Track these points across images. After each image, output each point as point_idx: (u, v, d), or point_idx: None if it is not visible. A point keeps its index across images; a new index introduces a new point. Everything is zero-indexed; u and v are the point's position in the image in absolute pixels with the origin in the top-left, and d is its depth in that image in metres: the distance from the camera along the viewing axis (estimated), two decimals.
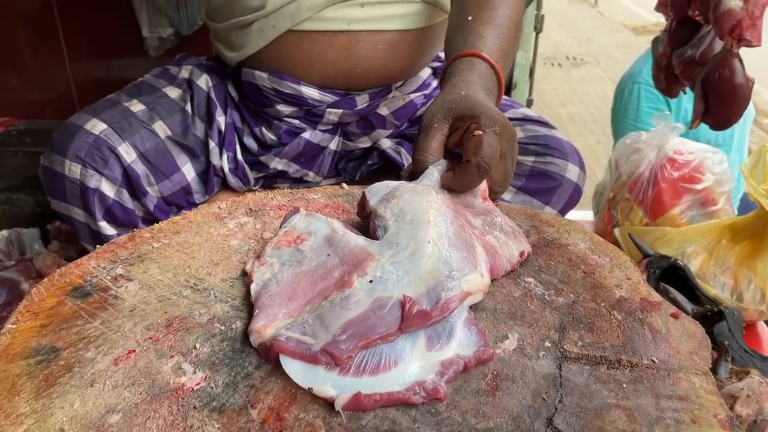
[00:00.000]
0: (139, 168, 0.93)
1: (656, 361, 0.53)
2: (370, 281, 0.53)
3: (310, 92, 1.00)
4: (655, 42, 1.51)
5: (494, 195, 0.69)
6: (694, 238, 1.46)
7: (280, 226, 0.65)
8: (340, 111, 1.02)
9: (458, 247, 0.57)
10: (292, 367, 0.49)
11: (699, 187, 1.55)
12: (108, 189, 0.92)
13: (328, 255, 0.58)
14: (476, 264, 0.56)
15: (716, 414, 0.48)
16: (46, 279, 0.61)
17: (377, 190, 0.65)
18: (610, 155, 1.77)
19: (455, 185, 0.65)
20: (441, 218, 0.59)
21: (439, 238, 0.56)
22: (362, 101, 1.03)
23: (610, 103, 2.26)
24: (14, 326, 0.56)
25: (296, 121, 1.04)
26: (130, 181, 0.93)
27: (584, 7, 8.28)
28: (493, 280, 0.59)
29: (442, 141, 0.70)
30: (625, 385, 0.50)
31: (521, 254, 0.63)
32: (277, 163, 1.05)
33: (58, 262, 1.40)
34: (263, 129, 1.04)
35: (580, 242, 0.68)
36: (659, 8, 1.47)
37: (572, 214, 1.92)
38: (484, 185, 0.67)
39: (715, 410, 0.49)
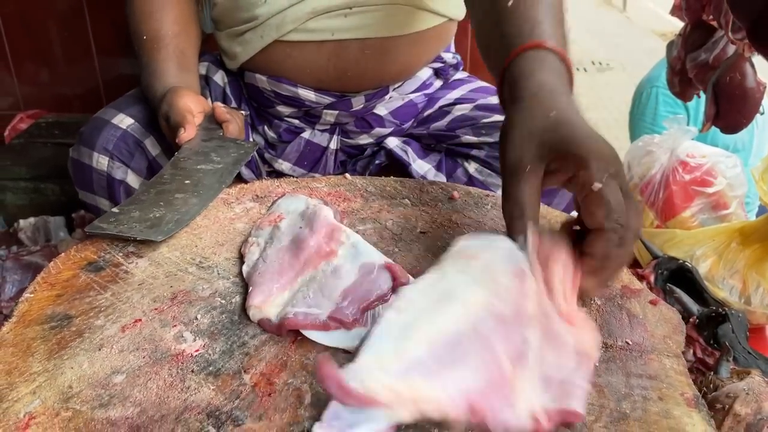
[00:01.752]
0: (164, 162, 0.97)
1: (630, 343, 0.55)
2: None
3: (307, 94, 1.02)
4: (670, 46, 1.52)
5: (625, 245, 0.54)
6: (703, 240, 1.47)
7: (267, 209, 0.69)
8: (336, 112, 1.05)
9: (443, 348, 0.46)
10: (314, 335, 0.54)
11: (711, 190, 1.55)
12: (133, 181, 0.96)
13: (300, 227, 0.62)
14: (436, 376, 0.44)
15: (683, 392, 0.51)
16: (62, 254, 0.66)
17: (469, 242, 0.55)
18: None
19: (598, 264, 0.53)
20: (470, 311, 0.48)
21: (439, 327, 0.47)
22: (358, 102, 1.05)
23: None
24: (32, 295, 0.60)
25: (296, 121, 1.07)
26: (154, 174, 0.97)
27: (612, 13, 8.22)
28: None
29: (538, 188, 0.57)
30: (598, 364, 0.53)
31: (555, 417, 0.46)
32: (281, 165, 1.08)
33: None
34: (265, 128, 1.08)
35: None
36: (674, 12, 1.48)
37: None
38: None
39: (683, 389, 0.51)
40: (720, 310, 1.08)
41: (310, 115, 1.06)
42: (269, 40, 0.98)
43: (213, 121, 0.89)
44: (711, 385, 0.73)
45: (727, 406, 0.68)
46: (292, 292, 0.57)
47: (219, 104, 0.90)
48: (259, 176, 1.11)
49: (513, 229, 0.56)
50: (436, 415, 0.45)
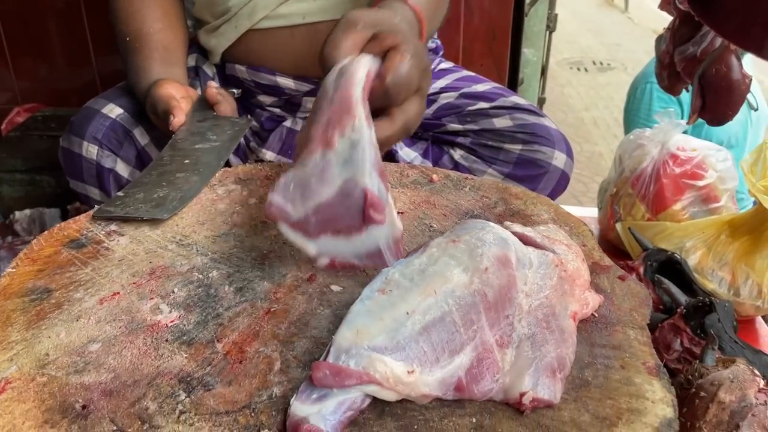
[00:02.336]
0: (152, 151, 0.99)
1: (596, 315, 0.56)
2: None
3: (286, 82, 1.04)
4: (659, 40, 1.53)
5: (407, 133, 0.66)
6: (693, 233, 1.47)
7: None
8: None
9: (429, 329, 0.48)
10: (282, 228, 0.58)
11: (701, 183, 1.56)
12: (122, 169, 0.97)
13: (332, 88, 0.60)
14: (425, 359, 0.47)
15: (645, 362, 0.52)
16: (46, 232, 0.67)
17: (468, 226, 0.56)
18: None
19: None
20: (455, 295, 0.49)
21: (424, 309, 0.48)
22: None
23: None
24: (14, 270, 0.62)
25: (277, 110, 1.09)
26: (143, 163, 0.99)
27: (614, 13, 8.22)
28: (458, 401, 0.48)
29: (359, 44, 0.65)
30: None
31: (527, 398, 0.47)
32: (265, 155, 1.09)
33: None
34: (248, 117, 1.09)
35: (544, 213, 0.72)
36: (663, 6, 1.49)
37: (577, 210, 1.95)
38: (591, 302, 0.56)
39: (645, 359, 0.52)
40: (706, 300, 1.09)
41: (291, 104, 1.07)
42: (243, 29, 1.01)
43: (205, 104, 0.91)
44: (696, 374, 0.73)
45: (712, 394, 0.69)
46: (286, 177, 0.58)
47: (211, 84, 0.91)
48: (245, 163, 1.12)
49: (326, 64, 0.64)
50: (422, 401, 0.46)
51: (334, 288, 0.58)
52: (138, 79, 0.97)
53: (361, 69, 0.60)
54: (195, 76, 1.10)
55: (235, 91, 1.02)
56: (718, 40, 1.35)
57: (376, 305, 0.49)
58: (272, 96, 1.07)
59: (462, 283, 0.50)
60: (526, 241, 0.57)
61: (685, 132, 1.59)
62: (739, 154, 2.13)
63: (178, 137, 0.83)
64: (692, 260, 1.45)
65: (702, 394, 0.67)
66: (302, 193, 0.57)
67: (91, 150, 0.97)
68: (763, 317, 1.47)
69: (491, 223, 0.56)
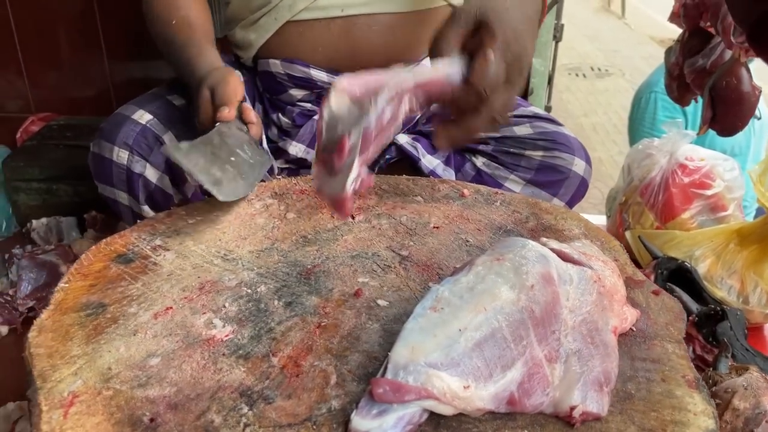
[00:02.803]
0: None
1: (634, 329, 0.59)
2: None
3: (319, 75, 1.08)
4: (668, 52, 1.56)
5: (494, 126, 0.65)
6: (702, 241, 1.50)
7: None
8: None
9: (482, 345, 0.50)
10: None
11: (709, 192, 1.59)
12: (152, 175, 0.99)
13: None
14: (479, 374, 0.49)
15: (685, 375, 0.54)
16: (93, 247, 0.69)
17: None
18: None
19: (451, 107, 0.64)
20: (504, 312, 0.51)
21: (475, 326, 0.50)
22: None
23: None
24: (66, 285, 0.63)
25: (308, 104, 1.12)
26: (171, 169, 1.01)
27: (611, 19, 8.27)
28: (510, 413, 0.50)
29: (459, 39, 0.64)
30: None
31: (577, 411, 0.49)
32: (295, 149, 1.12)
33: None
34: (280, 115, 1.12)
35: (575, 228, 0.74)
36: (672, 19, 1.52)
37: (586, 218, 1.96)
38: (629, 317, 0.59)
39: (684, 372, 0.54)
40: (718, 308, 1.11)
41: (322, 98, 1.10)
42: (282, 21, 1.04)
43: (240, 118, 0.93)
44: (710, 381, 0.76)
45: (726, 401, 0.71)
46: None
47: (247, 105, 0.94)
48: (271, 172, 1.14)
49: (433, 52, 0.64)
50: (475, 414, 0.48)
51: (381, 303, 0.60)
52: (196, 57, 0.99)
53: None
54: None
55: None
56: (728, 53, 1.38)
57: (428, 322, 0.51)
58: (304, 89, 1.10)
59: (510, 300, 0.52)
60: (564, 257, 0.59)
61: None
62: (743, 162, 2.16)
63: (223, 129, 0.84)
64: (701, 268, 1.48)
65: (716, 401, 0.69)
66: None
67: (121, 155, 0.99)
68: None
69: (531, 241, 0.58)
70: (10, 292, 1.37)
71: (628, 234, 1.60)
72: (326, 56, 1.06)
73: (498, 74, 0.62)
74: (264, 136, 1.12)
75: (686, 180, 1.60)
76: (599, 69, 6.17)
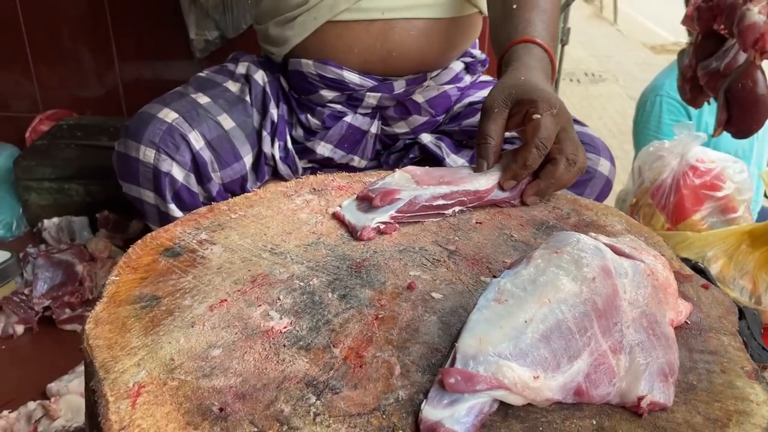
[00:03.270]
0: (206, 155, 1.01)
1: (689, 323, 0.59)
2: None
3: (352, 77, 1.08)
4: (681, 54, 1.57)
5: (573, 166, 0.76)
6: (714, 242, 1.51)
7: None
8: (379, 95, 1.11)
9: (548, 336, 0.50)
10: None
11: (720, 194, 1.61)
12: (178, 173, 0.99)
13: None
14: (547, 365, 0.49)
15: (743, 366, 0.55)
16: (139, 241, 0.69)
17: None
18: (628, 168, 1.83)
19: (518, 168, 0.74)
20: (568, 303, 0.52)
21: (541, 317, 0.51)
22: (399, 86, 1.12)
23: (628, 119, 2.32)
24: (117, 278, 0.63)
25: (338, 106, 1.12)
26: (197, 167, 1.01)
27: (603, 25, 8.34)
28: (576, 404, 0.50)
29: (502, 125, 0.77)
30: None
31: (645, 402, 0.49)
32: (323, 149, 1.12)
33: (110, 247, 1.48)
34: (308, 116, 1.12)
35: (617, 224, 0.75)
36: (685, 22, 1.53)
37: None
38: (683, 310, 0.59)
39: (743, 363, 0.55)
40: (736, 307, 1.12)
41: (352, 99, 1.11)
42: (323, 20, 1.05)
43: None
44: None
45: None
46: None
47: None
48: (295, 172, 1.14)
49: (479, 153, 0.77)
50: (544, 404, 0.49)
51: (435, 295, 0.61)
52: None
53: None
54: (245, 83, 1.12)
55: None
56: (742, 56, 1.39)
57: (493, 314, 0.51)
58: (335, 91, 1.11)
59: (573, 293, 0.52)
60: (616, 251, 0.60)
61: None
62: (747, 164, 2.17)
63: None
64: (714, 269, 1.50)
65: None
66: None
67: (148, 154, 0.99)
68: None
69: (584, 235, 0.58)
70: (26, 291, 1.36)
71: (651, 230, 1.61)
72: (361, 58, 1.07)
73: (549, 128, 0.74)
74: (288, 137, 1.12)
75: (697, 182, 1.62)
76: (593, 74, 6.22)
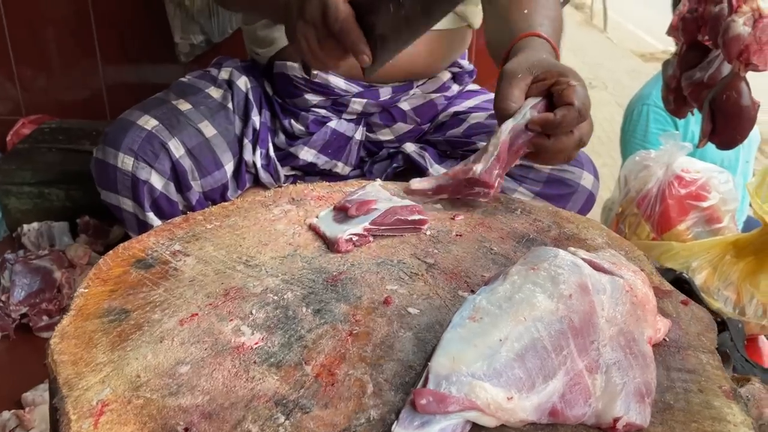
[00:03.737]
0: (186, 163, 0.99)
1: (667, 340, 0.58)
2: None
3: (337, 81, 1.07)
4: (666, 65, 1.57)
5: (575, 150, 0.77)
6: (699, 253, 1.51)
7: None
8: (364, 101, 1.10)
9: (523, 355, 0.48)
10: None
11: (705, 204, 1.60)
12: (157, 181, 0.98)
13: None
14: (521, 385, 0.48)
15: (721, 386, 0.54)
16: (111, 251, 0.67)
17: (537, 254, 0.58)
18: (616, 176, 1.83)
19: (553, 126, 0.74)
20: (543, 321, 0.50)
21: (516, 336, 0.49)
22: (385, 93, 1.11)
23: (617, 126, 2.32)
24: (86, 290, 0.62)
25: (323, 111, 1.11)
26: (177, 175, 0.99)
27: (594, 33, 8.37)
28: (551, 425, 0.49)
29: (524, 90, 0.77)
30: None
31: (621, 423, 0.48)
32: (306, 154, 1.11)
33: (89, 254, 1.46)
34: (292, 121, 1.11)
35: (598, 237, 0.74)
36: (670, 32, 1.53)
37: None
38: (662, 328, 0.58)
39: (720, 382, 0.54)
40: (719, 319, 1.12)
41: (337, 104, 1.10)
42: None
43: None
44: None
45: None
46: None
47: None
48: (277, 180, 1.13)
49: (501, 117, 0.76)
50: (518, 425, 0.47)
51: (412, 311, 0.59)
52: None
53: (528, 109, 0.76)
54: (227, 89, 1.11)
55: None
56: (726, 67, 1.39)
57: (468, 332, 0.50)
58: (320, 95, 1.10)
59: (549, 310, 0.51)
60: (595, 267, 0.59)
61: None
62: (732, 174, 2.18)
63: None
64: (698, 280, 1.49)
65: None
66: None
67: (126, 161, 0.97)
68: (767, 336, 1.51)
69: (561, 251, 0.57)
70: (2, 298, 1.34)
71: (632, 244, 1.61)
72: (347, 63, 1.05)
73: (587, 97, 0.74)
74: (270, 144, 1.10)
75: (682, 192, 1.62)
76: None
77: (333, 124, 1.12)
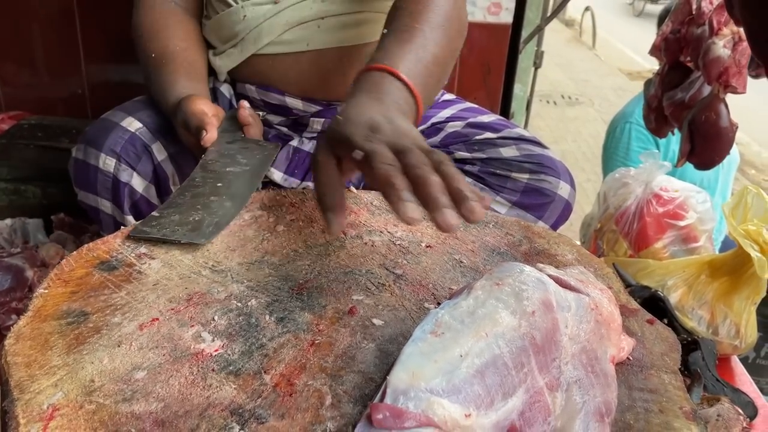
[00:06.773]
0: (168, 168, 0.98)
1: (631, 359, 0.58)
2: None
3: (294, 103, 1.06)
4: (648, 84, 1.59)
5: (435, 158, 0.61)
6: (675, 271, 1.52)
7: None
8: (323, 120, 1.08)
9: (483, 372, 0.48)
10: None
11: (682, 223, 1.61)
12: (138, 184, 0.96)
13: None
14: (480, 402, 0.47)
15: (682, 407, 0.54)
16: (75, 252, 0.66)
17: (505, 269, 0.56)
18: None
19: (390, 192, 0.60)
20: (505, 338, 0.50)
21: (477, 352, 0.48)
22: None
23: (602, 142, 2.34)
24: (46, 291, 0.60)
25: (284, 129, 1.10)
26: (158, 179, 0.98)
27: (582, 49, 8.46)
28: None
29: (336, 172, 0.67)
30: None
31: None
32: (272, 174, 1.09)
33: (62, 253, 1.44)
34: None
35: (568, 253, 0.74)
36: (653, 52, 1.55)
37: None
38: (626, 347, 0.58)
39: (681, 403, 0.54)
40: (691, 338, 1.12)
41: (298, 124, 1.09)
42: (248, 53, 1.02)
43: (233, 124, 0.91)
44: None
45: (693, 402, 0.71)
46: None
47: (244, 104, 0.92)
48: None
49: (322, 207, 0.66)
50: None
51: (376, 322, 0.59)
52: (165, 94, 0.96)
53: None
54: (213, 98, 1.10)
55: (260, 113, 1.02)
56: (707, 88, 1.41)
57: (429, 347, 0.50)
58: (281, 115, 1.08)
59: (511, 326, 0.51)
60: (561, 283, 0.59)
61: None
62: (711, 194, 2.20)
63: (209, 158, 0.83)
64: (673, 298, 1.50)
65: None
66: None
67: (108, 163, 0.95)
68: (739, 356, 1.52)
69: (528, 266, 0.57)
70: None
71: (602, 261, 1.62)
72: (299, 87, 1.04)
73: (378, 147, 0.62)
74: None
75: (660, 210, 1.62)
76: (569, 97, 6.29)
77: (294, 142, 1.10)
